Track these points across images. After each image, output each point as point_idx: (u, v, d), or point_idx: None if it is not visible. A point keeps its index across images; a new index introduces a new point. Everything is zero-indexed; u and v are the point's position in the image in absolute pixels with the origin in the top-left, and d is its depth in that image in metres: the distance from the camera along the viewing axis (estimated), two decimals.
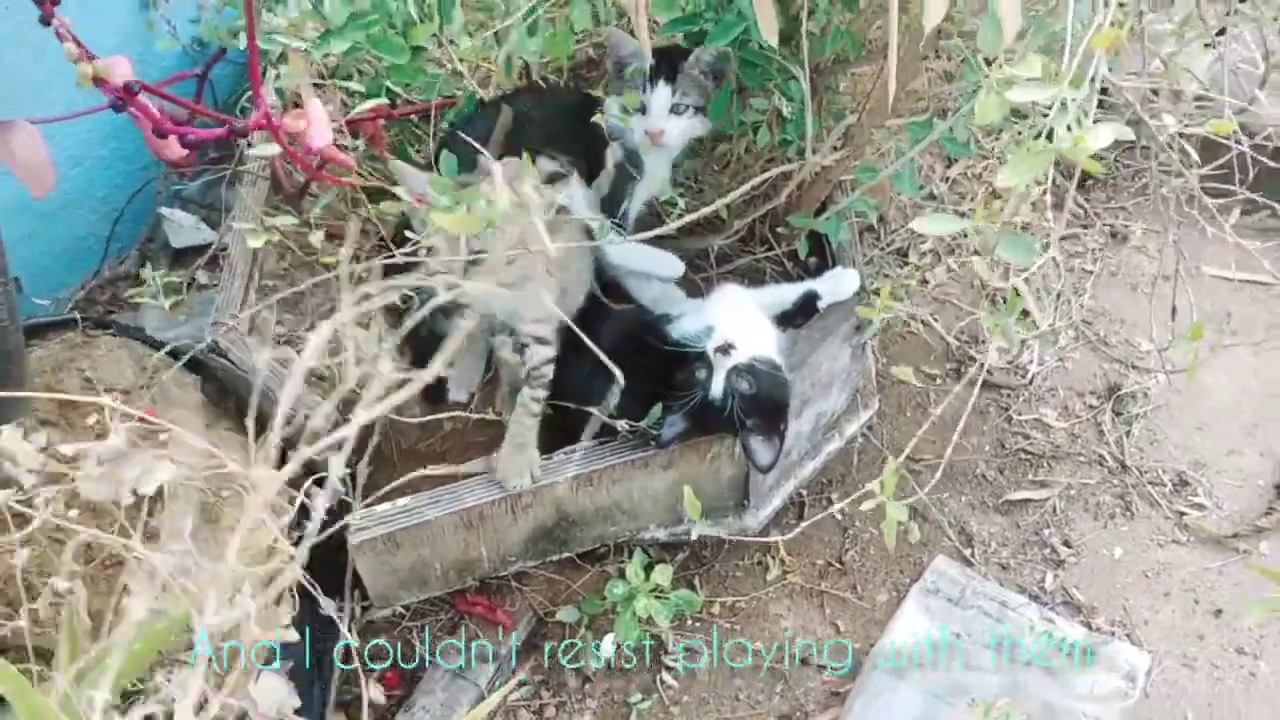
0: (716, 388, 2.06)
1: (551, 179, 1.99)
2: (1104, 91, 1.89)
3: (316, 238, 2.10)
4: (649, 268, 2.38)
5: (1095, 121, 1.20)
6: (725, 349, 2.06)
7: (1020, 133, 1.34)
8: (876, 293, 2.31)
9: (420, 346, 2.27)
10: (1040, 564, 2.46)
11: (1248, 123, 2.32)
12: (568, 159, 2.23)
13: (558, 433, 2.19)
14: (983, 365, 1.73)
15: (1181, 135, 2.11)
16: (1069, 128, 1.15)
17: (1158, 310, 2.56)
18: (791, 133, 2.20)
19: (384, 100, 2.29)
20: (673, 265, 2.37)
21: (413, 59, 2.12)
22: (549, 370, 2.14)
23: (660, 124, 2.20)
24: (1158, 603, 2.40)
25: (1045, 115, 1.20)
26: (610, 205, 2.26)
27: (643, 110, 2.20)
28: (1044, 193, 1.44)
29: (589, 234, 2.25)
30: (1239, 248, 2.51)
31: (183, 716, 1.61)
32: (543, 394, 2.14)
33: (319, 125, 1.81)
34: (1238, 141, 2.17)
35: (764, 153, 2.36)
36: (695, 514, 1.59)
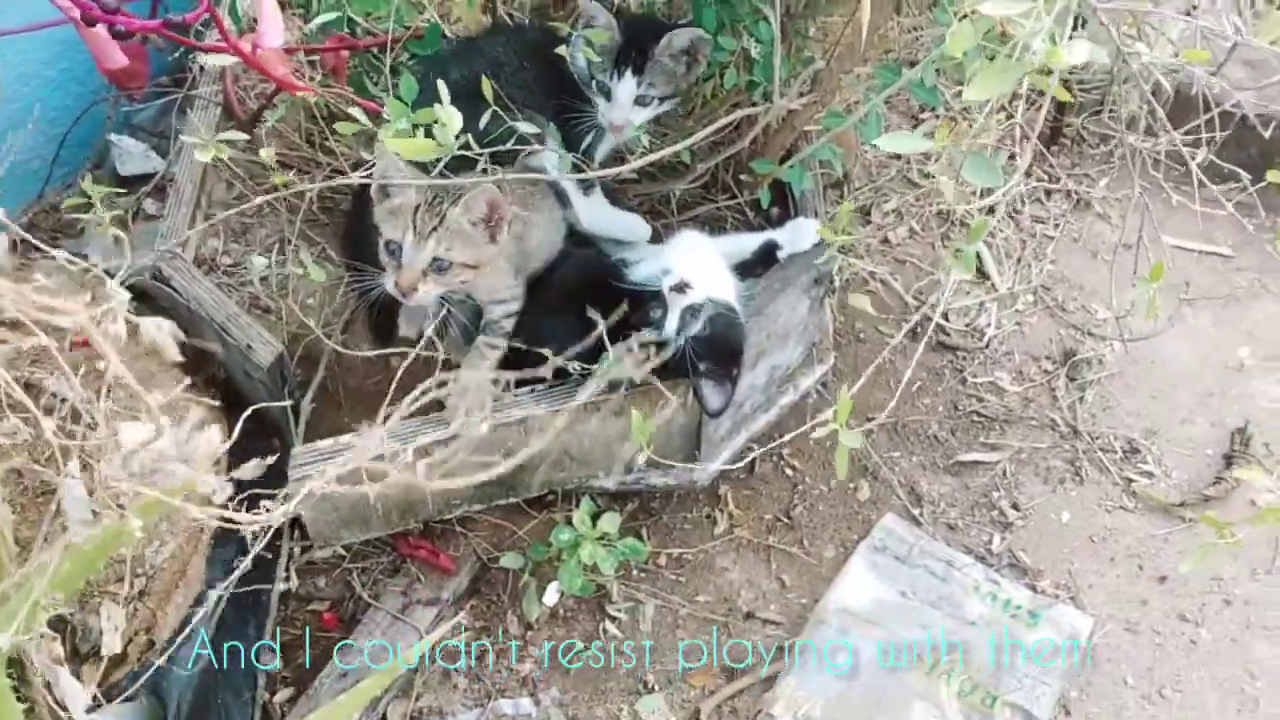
0: (670, 327, 2.03)
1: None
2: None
3: (268, 154, 2.04)
4: (618, 232, 2.35)
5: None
6: (680, 287, 2.03)
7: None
8: (842, 250, 2.29)
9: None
10: (988, 525, 2.46)
11: (1216, 93, 2.32)
12: (541, 111, 2.17)
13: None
14: (934, 312, 1.70)
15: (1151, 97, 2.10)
16: (1051, 39, 1.10)
17: (1117, 278, 2.56)
18: (760, 74, 2.16)
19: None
20: (640, 228, 2.35)
21: None
22: (509, 323, 2.11)
23: (624, 116, 2.17)
24: (1103, 567, 2.40)
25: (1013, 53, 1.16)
26: (574, 144, 2.21)
27: (607, 96, 2.17)
28: (1009, 121, 1.41)
29: (560, 198, 2.22)
30: (1201, 217, 2.51)
31: (110, 644, 1.58)
32: (501, 342, 2.10)
33: (271, 25, 1.74)
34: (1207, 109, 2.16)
35: (729, 96, 2.32)
36: (642, 437, 1.54)
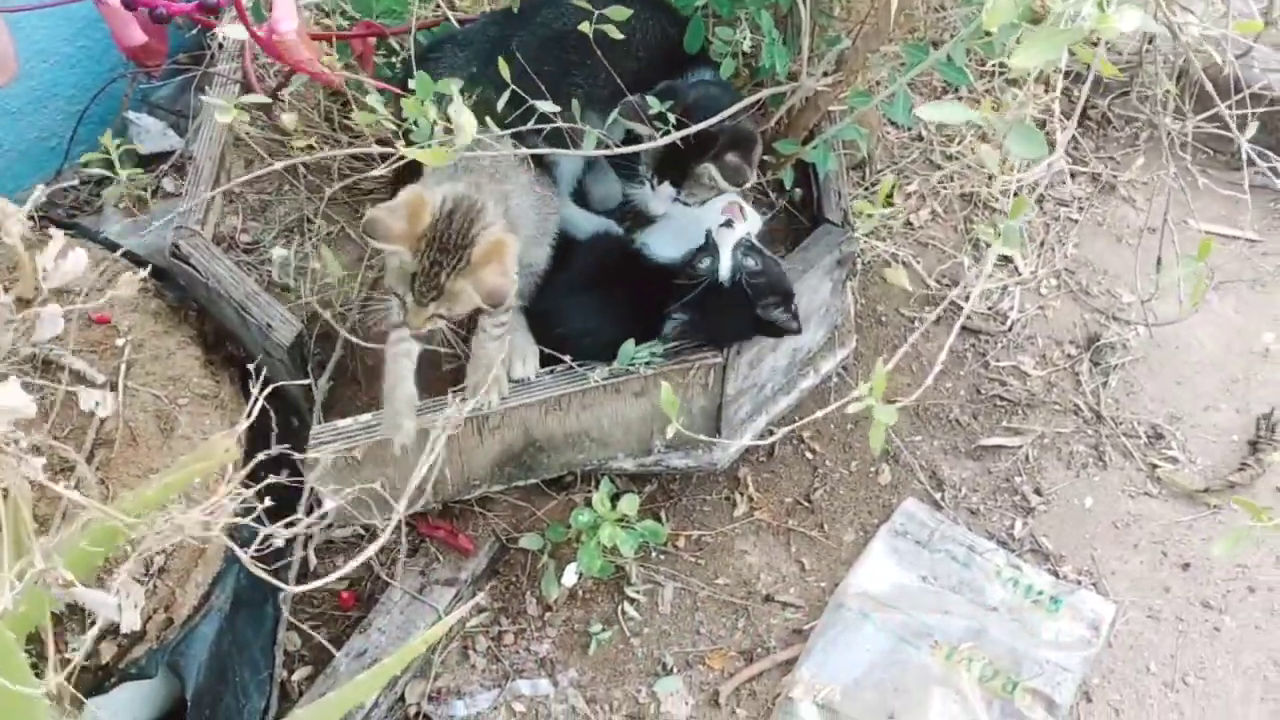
0: (724, 269, 2.01)
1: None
2: None
3: (290, 119, 2.03)
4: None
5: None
6: (729, 222, 2.02)
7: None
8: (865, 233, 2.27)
9: None
10: (1010, 510, 2.44)
11: (1243, 75, 2.28)
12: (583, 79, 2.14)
13: None
14: (967, 298, 1.67)
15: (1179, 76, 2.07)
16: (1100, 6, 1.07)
17: (1142, 262, 2.53)
18: (765, 60, 2.12)
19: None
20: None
21: None
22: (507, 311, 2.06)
23: (663, 209, 2.17)
24: (1126, 554, 2.38)
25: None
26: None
27: (650, 186, 2.15)
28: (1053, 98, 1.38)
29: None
30: (1227, 201, 2.48)
31: (128, 622, 1.57)
32: (503, 327, 2.06)
33: (283, 8, 1.72)
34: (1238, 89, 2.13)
35: (752, 76, 2.30)
36: (672, 410, 1.52)
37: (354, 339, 2.15)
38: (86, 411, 1.99)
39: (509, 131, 1.84)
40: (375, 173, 1.82)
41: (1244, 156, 1.94)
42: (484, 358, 2.04)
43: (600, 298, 2.18)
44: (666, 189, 2.11)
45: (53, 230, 1.38)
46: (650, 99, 1.94)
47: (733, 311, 2.04)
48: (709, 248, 2.03)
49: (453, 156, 1.67)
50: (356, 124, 2.33)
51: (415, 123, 1.74)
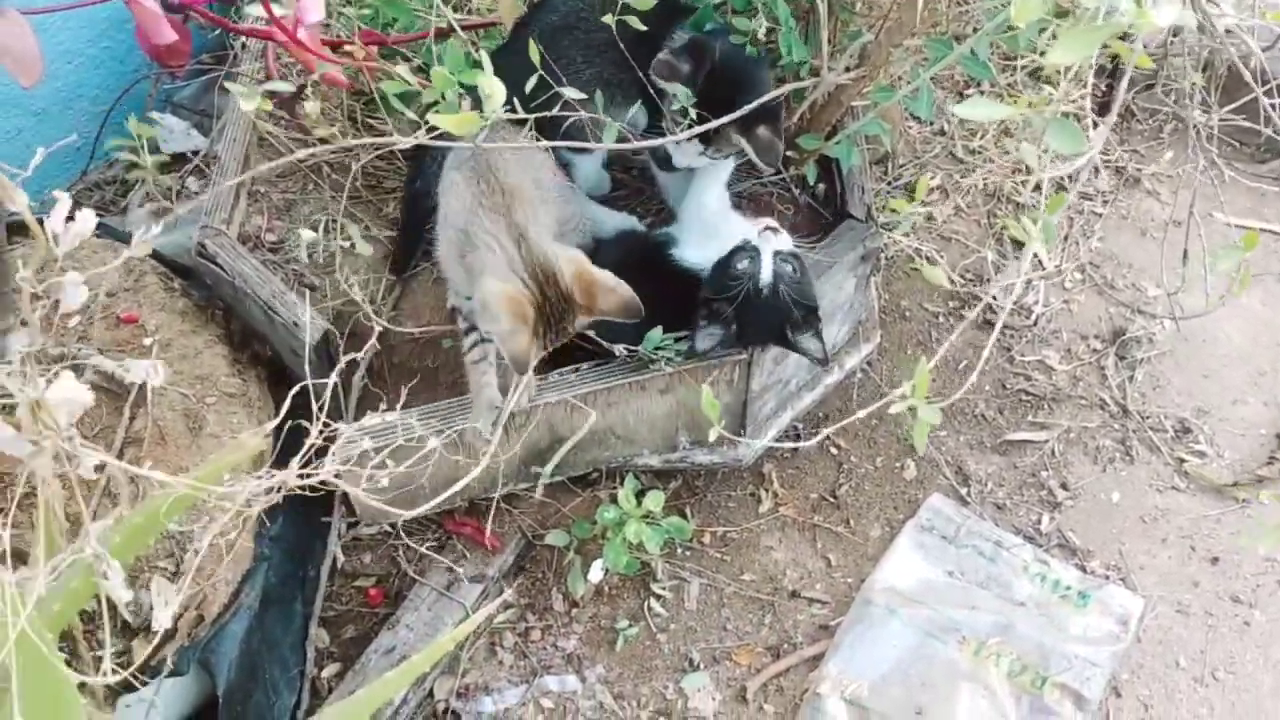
0: (765, 273, 2.00)
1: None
2: None
3: (313, 106, 2.03)
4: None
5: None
6: (774, 228, 2.01)
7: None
8: (886, 227, 2.27)
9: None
10: (1037, 505, 2.43)
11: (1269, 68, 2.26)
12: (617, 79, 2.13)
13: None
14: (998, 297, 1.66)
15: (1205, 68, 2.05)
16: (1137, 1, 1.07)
17: (1168, 255, 2.52)
18: (789, 48, 2.10)
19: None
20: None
21: None
22: None
23: (688, 163, 2.15)
24: (1154, 548, 2.37)
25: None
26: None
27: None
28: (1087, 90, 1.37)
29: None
30: (1253, 193, 2.45)
31: (161, 620, 1.58)
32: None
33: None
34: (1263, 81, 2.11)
35: (774, 72, 2.29)
36: (714, 413, 1.51)
37: (392, 328, 2.17)
38: (117, 408, 2.01)
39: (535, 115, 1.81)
40: (402, 144, 1.81)
41: (1226, 142, 1.92)
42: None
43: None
44: (695, 146, 2.10)
45: (56, 193, 1.40)
46: (680, 91, 1.93)
47: (768, 318, 2.03)
48: (748, 250, 2.02)
49: (479, 123, 1.65)
50: (379, 119, 2.34)
51: (443, 96, 1.74)
